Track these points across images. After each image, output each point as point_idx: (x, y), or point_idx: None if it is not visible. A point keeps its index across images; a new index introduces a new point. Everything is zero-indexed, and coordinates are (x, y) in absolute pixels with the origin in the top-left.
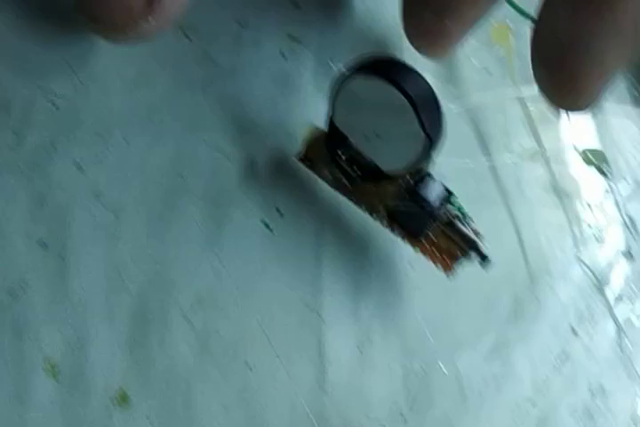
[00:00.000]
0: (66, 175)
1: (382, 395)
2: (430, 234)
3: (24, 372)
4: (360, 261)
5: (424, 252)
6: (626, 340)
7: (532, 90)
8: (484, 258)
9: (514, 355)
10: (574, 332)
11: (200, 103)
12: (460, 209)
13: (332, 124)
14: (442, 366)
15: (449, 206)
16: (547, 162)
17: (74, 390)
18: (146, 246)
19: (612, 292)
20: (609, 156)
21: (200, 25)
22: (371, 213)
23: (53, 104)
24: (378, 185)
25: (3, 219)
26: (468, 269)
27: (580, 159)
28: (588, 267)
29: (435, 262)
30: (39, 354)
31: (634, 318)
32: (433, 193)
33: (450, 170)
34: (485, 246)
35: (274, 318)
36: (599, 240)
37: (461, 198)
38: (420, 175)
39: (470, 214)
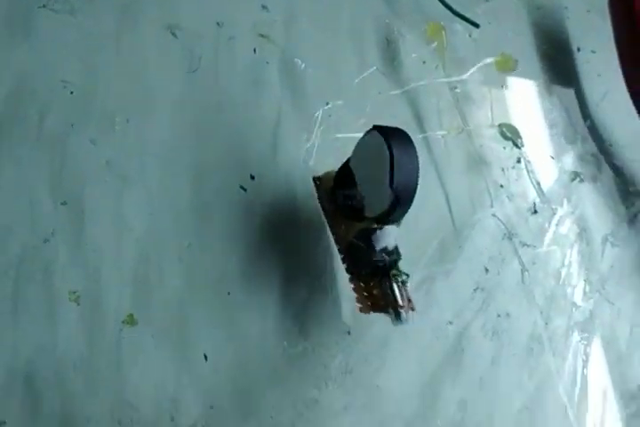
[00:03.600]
0: (81, 149)
1: None
2: (371, 279)
3: (53, 300)
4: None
5: (355, 288)
6: (528, 277)
7: (459, 77)
8: (399, 320)
9: (437, 288)
10: (487, 270)
11: (186, 86)
12: (402, 273)
13: (346, 165)
14: None
15: (394, 269)
16: (470, 136)
17: (93, 313)
18: (145, 204)
19: (518, 240)
20: (521, 130)
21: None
22: (336, 240)
23: (71, 92)
24: (352, 222)
25: (31, 184)
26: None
27: (497, 134)
28: (500, 221)
29: (357, 301)
30: (65, 286)
31: (536, 260)
32: (381, 244)
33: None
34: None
35: (251, 252)
36: (511, 199)
37: None
38: (381, 226)
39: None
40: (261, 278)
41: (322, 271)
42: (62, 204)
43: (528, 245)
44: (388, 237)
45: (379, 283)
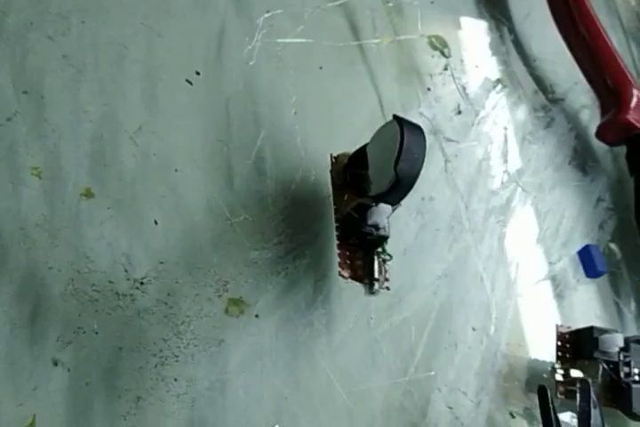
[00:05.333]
0: (40, 44)
1: None
2: (358, 251)
3: (17, 173)
4: None
5: (340, 254)
6: (451, 167)
7: None
8: (372, 292)
9: None
10: None
11: None
12: (386, 253)
13: (363, 149)
14: None
15: (380, 247)
16: (401, 46)
17: (53, 186)
18: (99, 91)
19: (443, 136)
20: (449, 42)
21: None
22: (335, 210)
23: None
24: (354, 197)
25: None
26: None
27: (426, 44)
28: (427, 118)
29: (339, 265)
30: (27, 162)
31: (458, 153)
32: (373, 219)
33: (331, 51)
34: (382, 288)
35: (196, 136)
36: (437, 101)
37: (338, 74)
38: (377, 203)
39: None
40: (206, 158)
41: (262, 154)
42: (24, 92)
43: (452, 141)
44: (381, 214)
45: (363, 256)
